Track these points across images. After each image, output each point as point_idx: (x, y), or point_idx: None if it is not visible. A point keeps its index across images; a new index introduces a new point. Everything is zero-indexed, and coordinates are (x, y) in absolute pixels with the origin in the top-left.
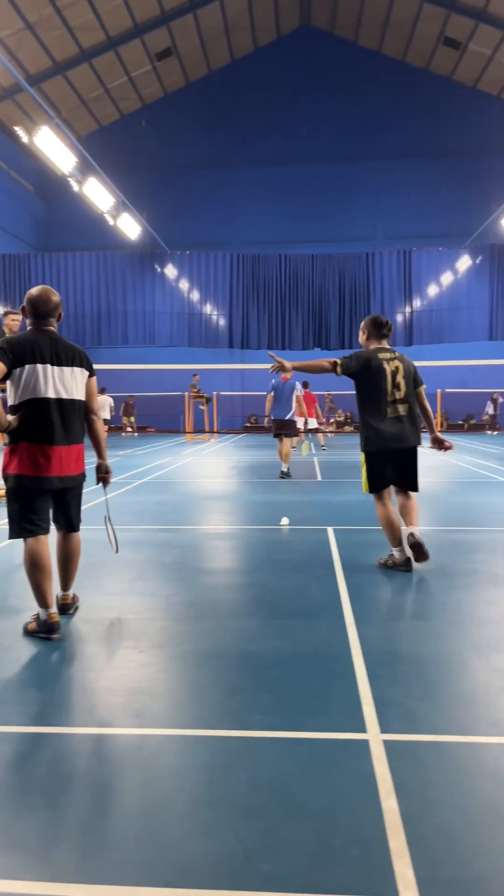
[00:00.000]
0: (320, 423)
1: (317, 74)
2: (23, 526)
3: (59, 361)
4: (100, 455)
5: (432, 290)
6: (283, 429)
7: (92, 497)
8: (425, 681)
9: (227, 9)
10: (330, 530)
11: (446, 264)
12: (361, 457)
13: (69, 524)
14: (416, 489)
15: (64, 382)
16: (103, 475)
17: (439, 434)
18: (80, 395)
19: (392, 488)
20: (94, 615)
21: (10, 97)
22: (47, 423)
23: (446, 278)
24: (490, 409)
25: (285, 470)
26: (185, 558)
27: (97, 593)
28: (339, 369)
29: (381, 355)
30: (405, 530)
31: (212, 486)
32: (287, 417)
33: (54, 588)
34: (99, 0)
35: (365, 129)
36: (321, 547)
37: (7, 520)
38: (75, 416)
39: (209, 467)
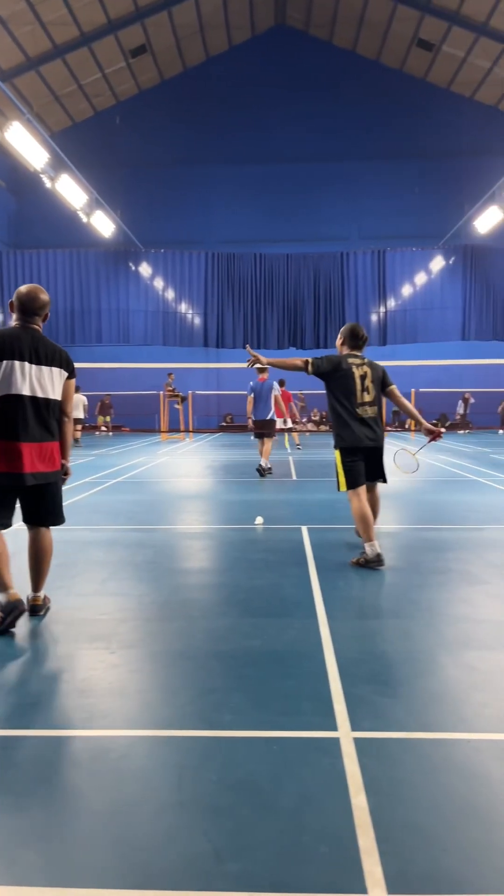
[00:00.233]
0: (294, 422)
1: (292, 73)
2: None
3: (38, 360)
4: (63, 456)
5: (406, 291)
6: (264, 429)
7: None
8: (396, 678)
9: (202, 6)
10: (304, 529)
11: (420, 265)
12: (336, 456)
13: (41, 519)
14: (385, 480)
15: (41, 381)
16: (62, 476)
17: (429, 424)
18: (55, 395)
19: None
20: (65, 616)
21: None
22: (21, 420)
23: (420, 278)
24: (461, 408)
25: (266, 466)
26: (157, 558)
27: (68, 594)
28: (310, 368)
29: (351, 360)
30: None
31: (186, 485)
32: (268, 417)
33: (26, 589)
34: None
35: (340, 129)
36: (295, 546)
37: None
38: (49, 415)
39: (184, 467)
